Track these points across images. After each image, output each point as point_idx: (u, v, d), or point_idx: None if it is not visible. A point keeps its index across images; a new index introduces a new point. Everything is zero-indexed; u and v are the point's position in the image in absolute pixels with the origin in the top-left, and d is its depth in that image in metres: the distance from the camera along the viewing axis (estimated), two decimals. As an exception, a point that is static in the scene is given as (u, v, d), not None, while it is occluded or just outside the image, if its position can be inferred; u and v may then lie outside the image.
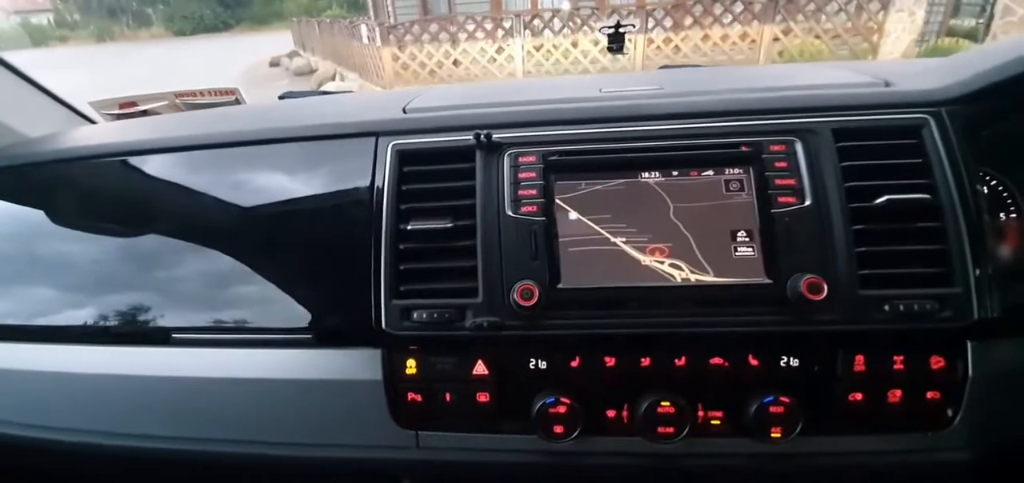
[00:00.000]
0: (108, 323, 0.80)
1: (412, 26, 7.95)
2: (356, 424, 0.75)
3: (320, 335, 0.75)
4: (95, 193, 0.90)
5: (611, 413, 0.72)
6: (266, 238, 0.80)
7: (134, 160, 0.86)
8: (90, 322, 0.81)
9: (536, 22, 7.70)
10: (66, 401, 0.81)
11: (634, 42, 7.21)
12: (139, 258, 0.83)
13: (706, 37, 7.21)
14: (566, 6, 9.11)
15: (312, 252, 0.77)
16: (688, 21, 7.18)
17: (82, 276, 0.84)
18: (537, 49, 7.67)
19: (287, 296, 0.77)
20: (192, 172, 0.84)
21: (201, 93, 1.41)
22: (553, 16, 7.62)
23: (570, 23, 7.52)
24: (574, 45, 7.58)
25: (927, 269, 0.65)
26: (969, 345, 0.66)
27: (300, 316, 0.75)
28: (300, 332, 0.75)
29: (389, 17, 10.03)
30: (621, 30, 1.46)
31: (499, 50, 7.70)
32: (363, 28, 8.40)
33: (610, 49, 1.51)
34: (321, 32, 11.37)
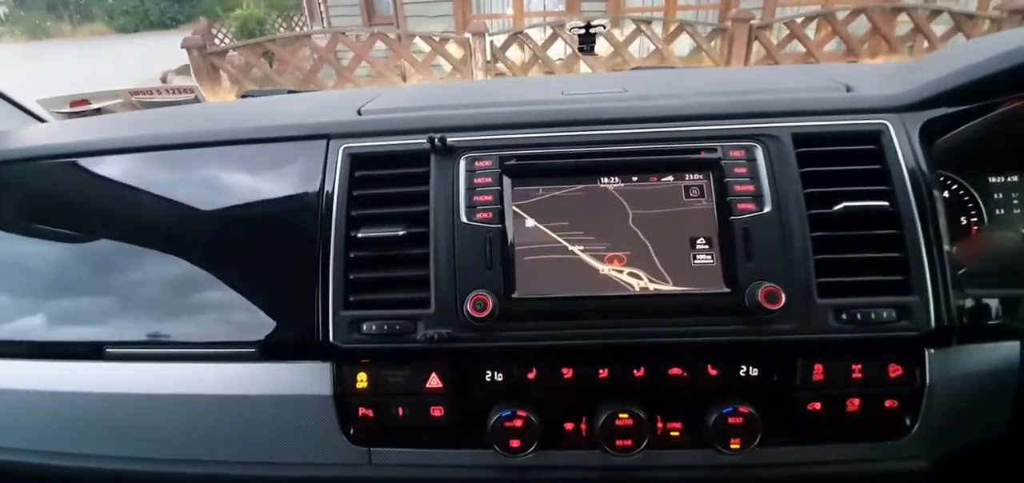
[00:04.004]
0: (36, 337, 0.75)
1: (263, 52, 5.03)
2: (305, 441, 0.72)
3: (265, 348, 0.71)
4: (32, 197, 0.85)
5: (569, 426, 0.70)
6: (209, 245, 0.76)
7: (76, 162, 0.81)
8: (16, 336, 0.76)
9: (520, 44, 4.58)
10: None
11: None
12: (73, 266, 0.78)
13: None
14: (562, 6, 6.27)
15: (257, 261, 0.73)
16: (882, 49, 4.64)
17: (8, 286, 0.79)
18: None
19: (230, 307, 0.73)
20: (135, 175, 0.80)
21: (157, 91, 1.36)
22: (552, 38, 4.42)
23: (575, 44, 4.36)
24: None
25: (885, 277, 0.65)
26: (927, 353, 0.66)
27: (244, 328, 0.72)
28: (244, 345, 0.71)
29: (323, 21, 7.59)
30: (591, 31, 1.44)
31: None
32: (193, 51, 5.16)
33: (581, 49, 1.49)
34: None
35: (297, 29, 9.84)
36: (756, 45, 4.49)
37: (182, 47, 5.10)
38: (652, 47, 4.86)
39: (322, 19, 7.82)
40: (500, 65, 4.65)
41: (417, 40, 4.99)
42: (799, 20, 4.82)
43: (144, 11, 18.29)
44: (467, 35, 4.56)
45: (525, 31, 4.68)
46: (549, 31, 4.52)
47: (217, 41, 7.59)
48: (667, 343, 0.65)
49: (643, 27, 4.73)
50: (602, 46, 4.57)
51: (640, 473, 0.71)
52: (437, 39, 4.82)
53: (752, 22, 4.51)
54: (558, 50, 4.56)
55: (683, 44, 4.97)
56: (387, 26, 6.94)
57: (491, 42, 4.69)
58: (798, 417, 0.67)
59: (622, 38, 4.69)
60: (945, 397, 0.66)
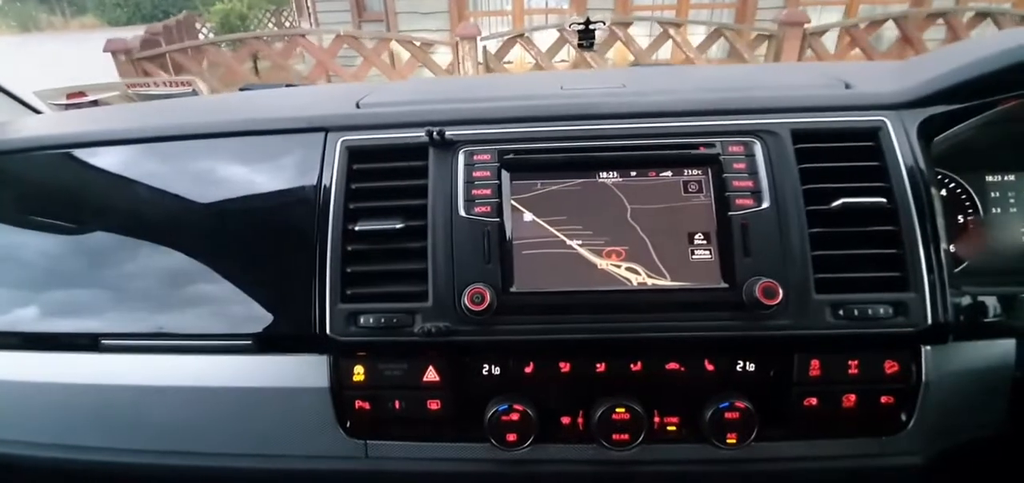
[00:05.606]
0: (32, 328, 0.75)
1: (207, 58, 4.27)
2: (301, 434, 0.72)
3: (262, 341, 0.71)
4: (27, 188, 0.85)
5: (566, 420, 0.70)
6: (205, 237, 0.75)
7: (71, 153, 0.81)
8: (12, 328, 0.75)
9: (521, 49, 3.92)
10: None
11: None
12: (69, 258, 0.78)
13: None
14: (565, 4, 5.93)
15: (254, 253, 0.73)
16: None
17: (4, 277, 0.78)
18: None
19: (227, 299, 0.72)
20: (131, 167, 0.79)
21: (154, 83, 1.35)
22: (559, 43, 3.78)
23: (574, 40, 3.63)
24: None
25: (882, 273, 0.65)
26: (923, 350, 0.66)
27: (241, 321, 0.71)
28: (241, 338, 0.71)
29: (311, 18, 7.01)
30: (591, 27, 1.44)
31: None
32: (119, 55, 4.20)
33: (581, 46, 1.48)
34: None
35: (288, 24, 9.38)
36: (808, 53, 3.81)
37: (105, 51, 4.29)
38: (680, 55, 4.21)
39: (309, 15, 7.33)
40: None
41: (394, 44, 4.30)
42: (862, 25, 4.14)
43: (136, 4, 17.87)
44: (456, 38, 3.96)
45: (526, 35, 3.97)
46: (555, 35, 3.90)
47: (201, 36, 7.28)
48: (664, 338, 0.66)
49: (671, 31, 4.01)
50: (621, 53, 4.05)
51: (637, 467, 0.71)
52: (418, 44, 4.03)
53: (806, 26, 3.82)
54: (562, 56, 4.03)
55: (716, 51, 4.35)
56: (377, 23, 6.68)
57: (484, 47, 4.02)
58: (794, 412, 0.68)
59: (646, 45, 4.06)
60: (940, 394, 0.67)
